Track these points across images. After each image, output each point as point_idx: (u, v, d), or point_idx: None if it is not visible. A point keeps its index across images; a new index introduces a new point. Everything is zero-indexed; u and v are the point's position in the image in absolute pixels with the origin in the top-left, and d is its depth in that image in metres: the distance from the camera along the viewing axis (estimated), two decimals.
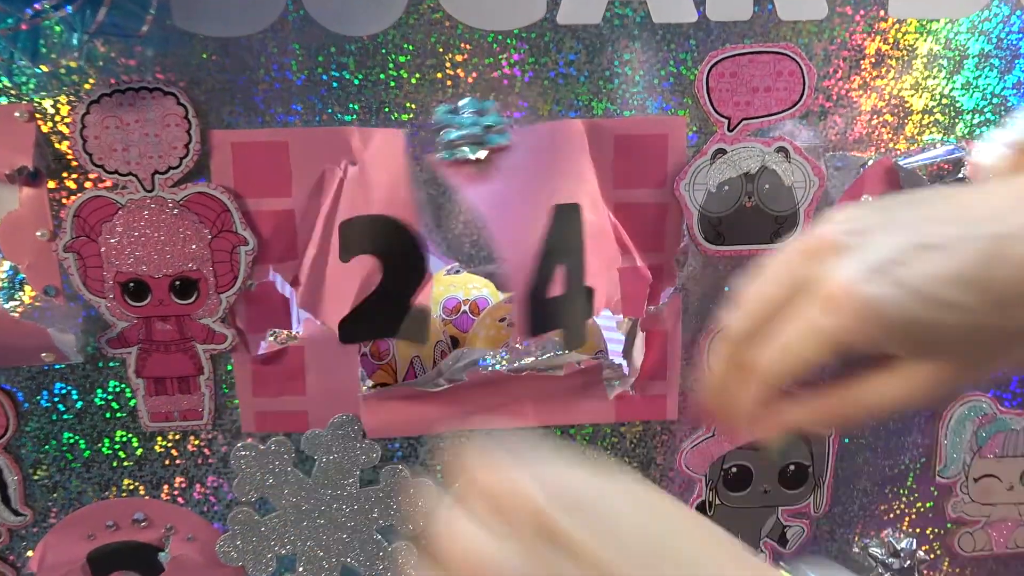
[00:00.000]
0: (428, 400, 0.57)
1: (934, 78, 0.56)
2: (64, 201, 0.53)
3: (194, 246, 0.54)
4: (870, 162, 0.56)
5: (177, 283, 0.54)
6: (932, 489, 0.64)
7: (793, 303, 0.32)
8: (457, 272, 0.83)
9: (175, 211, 0.53)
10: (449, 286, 0.81)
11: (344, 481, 0.59)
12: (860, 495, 0.63)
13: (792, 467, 0.61)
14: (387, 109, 0.53)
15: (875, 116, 0.56)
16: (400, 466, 0.59)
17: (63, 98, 0.51)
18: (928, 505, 0.64)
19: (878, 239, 0.32)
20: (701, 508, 0.62)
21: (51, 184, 0.52)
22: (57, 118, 0.51)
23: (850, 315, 0.31)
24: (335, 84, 0.53)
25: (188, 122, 0.52)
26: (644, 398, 0.59)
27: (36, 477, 0.58)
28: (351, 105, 0.53)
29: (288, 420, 0.58)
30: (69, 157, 0.52)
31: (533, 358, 0.57)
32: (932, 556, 0.65)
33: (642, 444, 0.60)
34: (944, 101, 0.56)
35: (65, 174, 0.52)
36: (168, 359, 0.56)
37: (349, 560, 0.61)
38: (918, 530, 0.65)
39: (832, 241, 0.32)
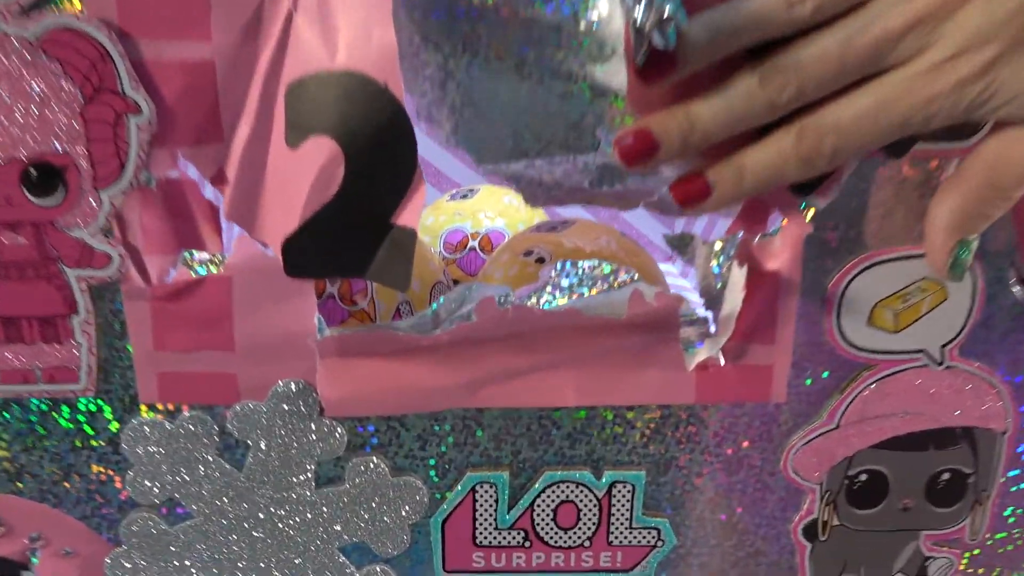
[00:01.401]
0: (416, 361, 0.38)
1: None
2: None
3: (57, 114, 0.34)
4: None
5: (32, 172, 0.35)
6: None
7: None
8: (464, 197, 0.64)
9: (26, 57, 0.33)
10: (454, 215, 0.62)
11: (292, 478, 0.40)
12: None
13: (946, 475, 0.42)
14: None
15: None
16: (375, 458, 0.40)
17: None
18: None
19: None
20: (810, 530, 0.43)
21: None
22: None
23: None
24: None
25: None
26: (739, 369, 0.40)
27: None
28: None
29: (208, 386, 0.39)
30: None
31: (576, 293, 0.37)
32: None
33: (731, 436, 0.41)
34: None
35: None
36: (22, 290, 0.37)
37: None
38: None
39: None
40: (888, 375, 0.40)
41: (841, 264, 0.38)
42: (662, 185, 0.40)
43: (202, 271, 0.38)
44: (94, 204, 0.35)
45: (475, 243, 0.59)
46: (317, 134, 0.34)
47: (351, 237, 0.35)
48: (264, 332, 0.38)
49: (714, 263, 0.42)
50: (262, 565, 0.42)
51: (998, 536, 0.44)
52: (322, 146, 0.34)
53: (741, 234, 0.39)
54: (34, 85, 0.34)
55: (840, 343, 0.39)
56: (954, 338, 0.40)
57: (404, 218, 0.35)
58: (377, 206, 0.35)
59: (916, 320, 0.39)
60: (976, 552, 0.45)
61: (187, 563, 0.41)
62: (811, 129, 0.31)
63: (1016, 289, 0.39)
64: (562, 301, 0.37)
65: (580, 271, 0.37)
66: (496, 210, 0.61)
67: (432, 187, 0.87)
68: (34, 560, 0.41)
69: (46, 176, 0.35)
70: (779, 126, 0.32)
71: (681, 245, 0.41)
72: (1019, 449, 0.42)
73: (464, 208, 0.61)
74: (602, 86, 0.36)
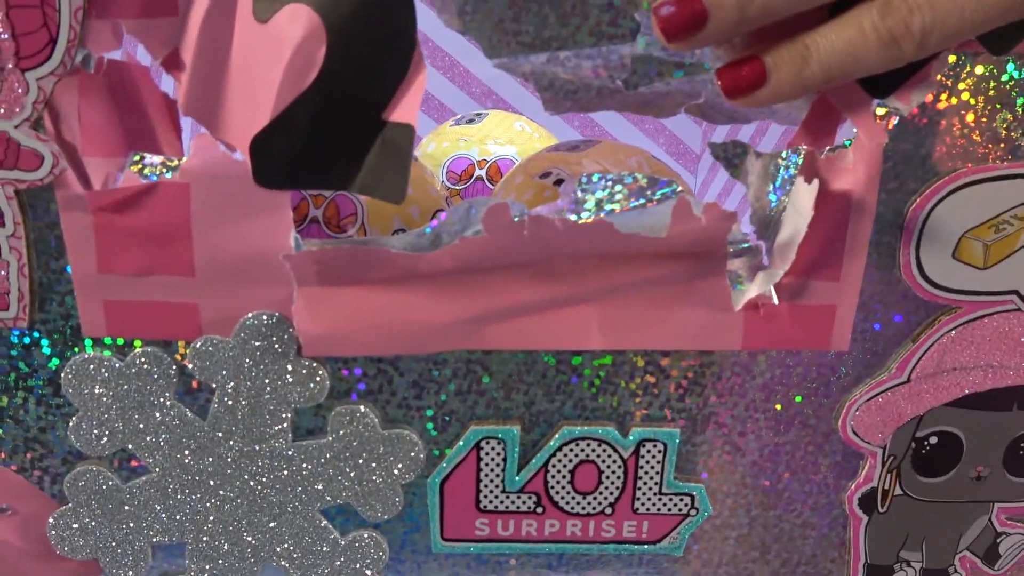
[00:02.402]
0: (413, 290, 0.32)
1: None
2: None
3: None
4: None
5: None
6: None
7: None
8: (471, 121, 0.57)
9: None
10: (458, 141, 0.55)
11: (266, 429, 0.34)
12: None
13: None
14: None
15: None
16: (362, 407, 0.34)
17: None
18: None
19: None
20: (867, 500, 0.37)
21: None
22: None
23: None
24: None
25: None
26: (795, 310, 0.33)
27: None
28: None
29: (165, 318, 0.33)
30: None
31: (602, 210, 0.31)
32: None
33: (781, 389, 0.35)
34: None
35: None
36: None
37: (276, 558, 0.37)
38: None
39: None
40: (971, 320, 0.34)
41: (925, 184, 0.32)
42: (708, 84, 0.33)
43: (155, 178, 0.32)
44: (18, 88, 0.29)
45: (482, 172, 0.53)
46: (293, 3, 0.28)
47: (333, 136, 0.29)
48: (230, 253, 0.32)
49: (769, 187, 0.35)
50: (231, 529, 0.36)
51: None
52: (298, 19, 0.28)
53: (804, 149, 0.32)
54: None
55: (918, 281, 0.33)
56: None
57: (399, 113, 0.29)
58: (366, 97, 0.28)
59: (1010, 255, 0.33)
60: None
61: (144, 525, 0.36)
62: (899, 1, 0.25)
63: None
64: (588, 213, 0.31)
65: (609, 184, 0.30)
66: (506, 136, 0.54)
67: (434, 122, 0.80)
68: None
69: None
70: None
71: (730, 156, 0.34)
72: None
73: (470, 133, 0.55)
74: None
